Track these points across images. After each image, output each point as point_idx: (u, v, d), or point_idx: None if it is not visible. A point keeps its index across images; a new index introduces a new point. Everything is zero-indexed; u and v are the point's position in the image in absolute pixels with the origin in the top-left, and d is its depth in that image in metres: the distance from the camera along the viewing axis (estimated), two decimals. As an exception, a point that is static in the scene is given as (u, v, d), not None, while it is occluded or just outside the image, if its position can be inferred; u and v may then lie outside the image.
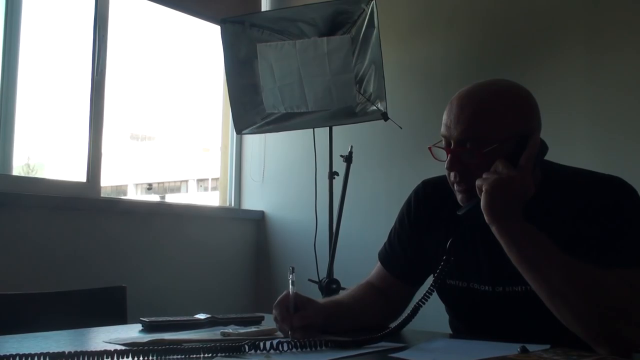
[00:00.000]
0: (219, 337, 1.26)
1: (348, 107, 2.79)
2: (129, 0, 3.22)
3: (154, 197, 5.93)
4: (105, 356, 0.97)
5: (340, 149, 2.71)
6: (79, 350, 0.96)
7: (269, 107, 2.94)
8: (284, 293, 1.27)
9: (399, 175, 3.00)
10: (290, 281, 1.28)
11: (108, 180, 3.10)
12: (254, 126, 3.01)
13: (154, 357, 1.00)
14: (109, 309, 1.77)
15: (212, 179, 5.19)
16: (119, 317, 1.74)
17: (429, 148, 1.30)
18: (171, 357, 1.01)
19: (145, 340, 1.15)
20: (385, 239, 1.55)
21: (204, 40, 3.57)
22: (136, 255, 2.86)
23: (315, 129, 2.97)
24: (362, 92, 2.76)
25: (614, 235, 1.17)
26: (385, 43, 2.69)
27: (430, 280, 1.34)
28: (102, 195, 2.85)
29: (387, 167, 3.07)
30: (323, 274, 2.62)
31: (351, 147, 2.63)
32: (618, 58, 2.49)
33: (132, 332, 1.38)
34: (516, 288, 1.25)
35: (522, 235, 1.15)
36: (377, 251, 1.55)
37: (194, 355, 1.03)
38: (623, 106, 2.47)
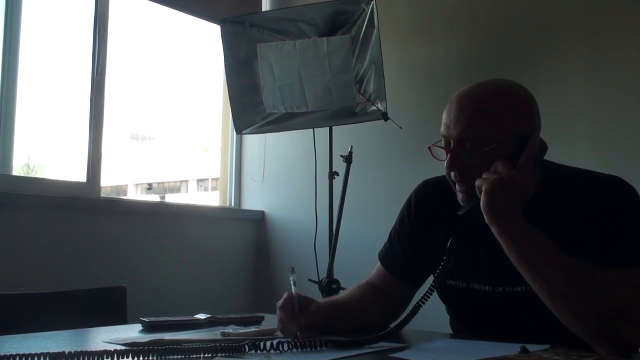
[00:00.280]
0: (219, 337, 1.26)
1: (348, 107, 2.79)
2: (129, 0, 3.22)
3: (154, 197, 5.93)
4: (105, 356, 0.97)
5: (340, 149, 2.71)
6: (79, 350, 0.96)
7: (269, 107, 2.94)
8: (286, 294, 1.27)
9: (399, 175, 3.00)
10: (292, 282, 1.28)
11: (108, 180, 3.10)
12: (254, 126, 3.01)
13: (154, 357, 1.00)
14: (109, 309, 1.77)
15: (212, 179, 5.19)
16: (119, 317, 1.74)
17: (429, 147, 1.30)
18: (171, 357, 1.01)
19: (145, 340, 1.15)
20: (385, 239, 1.55)
21: (204, 40, 3.57)
22: (136, 255, 2.86)
23: (315, 129, 2.97)
24: (362, 92, 2.76)
25: (614, 235, 1.17)
26: (385, 43, 2.69)
27: (430, 280, 1.34)
28: (102, 195, 2.85)
29: (387, 167, 3.07)
30: (323, 274, 2.62)
31: (351, 147, 2.63)
32: (618, 58, 2.49)
33: (132, 332, 1.38)
34: (516, 288, 1.25)
35: (522, 236, 1.15)
36: (377, 251, 1.55)
37: (194, 355, 1.03)
38: (623, 106, 2.47)
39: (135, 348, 1.02)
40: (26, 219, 2.49)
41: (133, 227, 2.89)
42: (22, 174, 2.72)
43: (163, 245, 2.99)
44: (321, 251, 2.84)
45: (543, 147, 1.27)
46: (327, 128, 2.87)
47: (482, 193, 1.17)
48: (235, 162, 3.62)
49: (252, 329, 1.35)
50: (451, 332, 1.48)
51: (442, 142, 1.28)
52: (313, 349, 1.10)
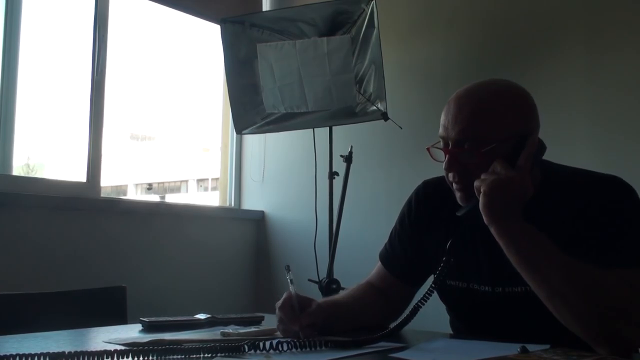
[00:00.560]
0: (219, 337, 1.26)
1: (348, 107, 2.79)
2: (129, 0, 3.22)
3: (154, 197, 5.94)
4: (105, 356, 0.97)
5: (340, 149, 2.71)
6: (79, 350, 0.96)
7: (269, 107, 2.94)
8: (285, 294, 1.27)
9: (399, 175, 3.00)
10: (289, 280, 1.28)
11: (108, 180, 3.10)
12: (254, 126, 3.01)
13: (154, 357, 1.00)
14: (109, 309, 1.77)
15: (212, 179, 5.19)
16: (119, 317, 1.74)
17: (427, 149, 1.30)
18: (171, 357, 1.01)
19: (145, 340, 1.15)
20: (385, 239, 1.55)
21: (204, 40, 3.57)
22: (136, 255, 2.86)
23: (315, 129, 2.97)
24: (362, 92, 2.76)
25: (613, 235, 1.17)
26: (385, 43, 2.69)
27: (430, 280, 1.34)
28: (102, 195, 2.85)
29: (387, 167, 3.07)
30: (323, 274, 2.62)
31: (351, 147, 2.62)
32: (618, 58, 2.49)
33: (132, 332, 1.38)
34: (516, 289, 1.25)
35: (522, 236, 1.15)
36: (377, 251, 1.55)
37: (194, 355, 1.03)
38: (623, 106, 2.47)
39: (135, 348, 1.02)
40: (26, 219, 2.49)
41: (133, 227, 2.89)
42: (22, 174, 2.72)
43: (163, 245, 2.99)
44: (321, 251, 2.84)
45: (542, 147, 1.26)
46: (327, 128, 2.87)
47: (481, 194, 1.17)
48: (235, 162, 3.62)
49: (252, 329, 1.35)
50: (451, 332, 1.48)
51: (441, 143, 1.27)
52: (313, 349, 1.10)
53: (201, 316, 1.52)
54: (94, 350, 0.97)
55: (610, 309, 1.07)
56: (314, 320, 1.24)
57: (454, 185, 1.28)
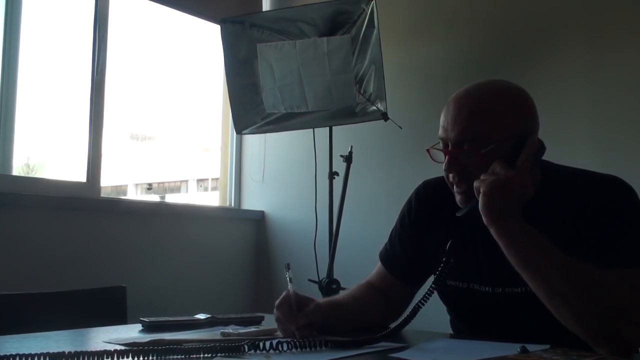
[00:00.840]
0: (219, 337, 1.26)
1: (348, 107, 2.79)
2: (129, 0, 3.22)
3: (154, 197, 5.93)
4: (105, 356, 0.97)
5: (340, 149, 2.71)
6: (79, 350, 0.96)
7: (269, 107, 2.94)
8: (284, 293, 1.27)
9: (399, 175, 3.00)
10: (288, 279, 1.28)
11: (108, 180, 3.10)
12: (254, 126, 3.01)
13: (154, 357, 1.00)
14: (109, 309, 1.77)
15: (212, 179, 5.19)
16: (119, 317, 1.74)
17: (427, 150, 1.30)
18: (171, 357, 1.01)
19: (145, 340, 1.15)
20: (385, 239, 1.55)
21: (204, 40, 3.57)
22: (136, 255, 2.86)
23: (315, 129, 2.97)
24: (362, 92, 2.76)
25: (613, 235, 1.17)
26: (385, 43, 2.69)
27: (430, 280, 1.34)
28: (102, 195, 2.85)
29: (387, 167, 3.07)
30: (323, 274, 2.62)
31: (351, 147, 2.62)
32: (618, 58, 2.49)
33: (132, 332, 1.38)
34: (516, 289, 1.25)
35: (521, 236, 1.15)
36: (377, 251, 1.55)
37: (194, 355, 1.03)
38: (623, 106, 2.47)
39: (135, 348, 1.02)
40: (26, 219, 2.49)
41: (133, 227, 2.89)
42: (22, 174, 2.72)
43: (163, 245, 2.99)
44: (321, 251, 2.84)
45: (541, 148, 1.26)
46: (327, 128, 2.87)
47: (480, 194, 1.17)
48: (235, 162, 3.62)
49: (252, 329, 1.35)
50: (451, 332, 1.48)
51: (440, 144, 1.27)
52: (313, 349, 1.10)
53: (201, 316, 1.52)
54: (94, 350, 0.97)
55: (610, 309, 1.07)
56: (311, 320, 1.24)
57: (454, 186, 1.28)
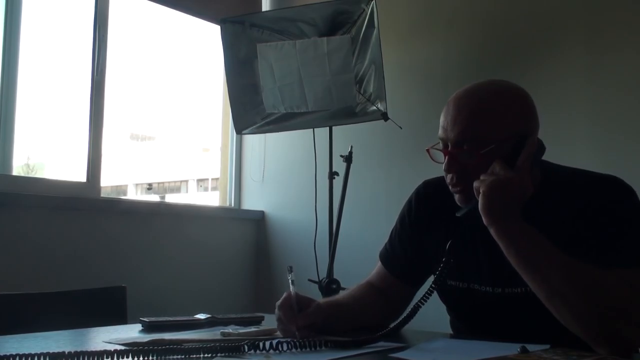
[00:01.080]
0: (219, 337, 1.26)
1: (348, 107, 2.79)
2: (129, 0, 3.22)
3: (154, 197, 5.94)
4: (105, 356, 0.97)
5: (340, 149, 2.71)
6: (79, 350, 0.96)
7: (269, 107, 2.94)
8: (285, 294, 1.27)
9: (399, 175, 3.00)
10: (290, 281, 1.28)
11: (108, 180, 3.10)
12: (254, 126, 3.01)
13: (154, 357, 1.00)
14: (109, 309, 1.77)
15: (212, 179, 5.20)
16: (119, 317, 1.74)
17: (427, 150, 1.30)
18: (171, 357, 1.01)
19: (145, 340, 1.15)
20: (385, 239, 1.55)
21: (204, 40, 3.58)
22: (136, 255, 2.86)
23: (315, 129, 2.97)
24: (362, 92, 2.76)
25: (613, 235, 1.17)
26: (385, 43, 2.69)
27: (430, 280, 1.34)
28: (102, 195, 2.85)
29: (387, 167, 3.07)
30: (323, 274, 2.62)
31: (351, 147, 2.63)
32: (618, 58, 2.49)
33: (132, 332, 1.38)
34: (516, 289, 1.25)
35: (521, 236, 1.15)
36: (377, 251, 1.55)
37: (194, 355, 1.03)
38: (623, 106, 2.47)
39: (135, 348, 1.02)
40: (26, 219, 2.48)
41: (133, 227, 2.89)
42: (22, 174, 2.72)
43: (163, 245, 2.99)
44: (321, 251, 2.84)
45: (541, 148, 1.26)
46: (327, 128, 2.87)
47: (480, 195, 1.17)
48: (235, 162, 3.62)
49: (252, 329, 1.35)
50: (451, 332, 1.48)
51: (440, 144, 1.27)
52: (313, 349, 1.10)
53: (201, 316, 1.52)
54: (94, 350, 0.97)
55: (610, 309, 1.07)
56: (312, 321, 1.24)
57: (454, 187, 1.28)
